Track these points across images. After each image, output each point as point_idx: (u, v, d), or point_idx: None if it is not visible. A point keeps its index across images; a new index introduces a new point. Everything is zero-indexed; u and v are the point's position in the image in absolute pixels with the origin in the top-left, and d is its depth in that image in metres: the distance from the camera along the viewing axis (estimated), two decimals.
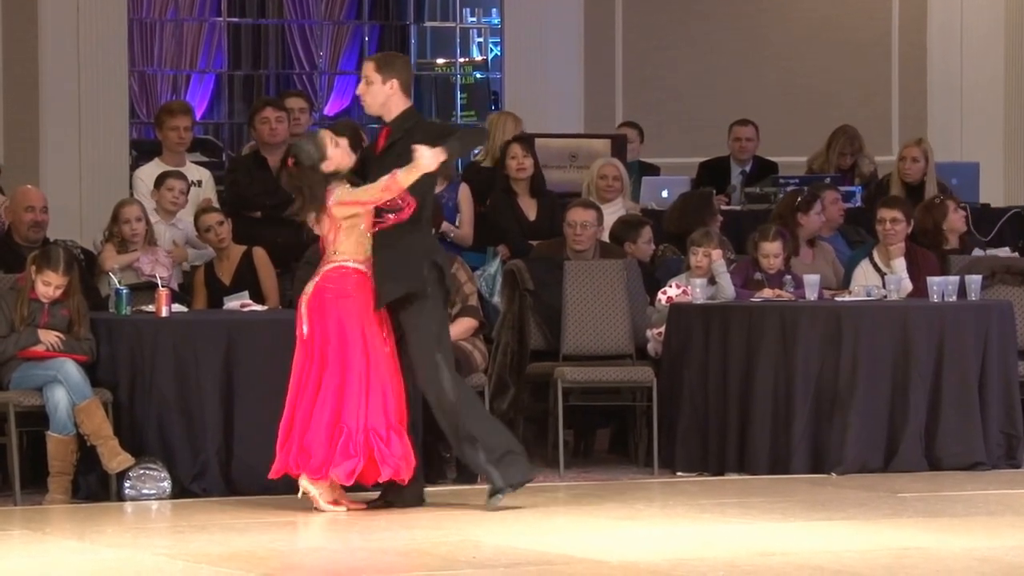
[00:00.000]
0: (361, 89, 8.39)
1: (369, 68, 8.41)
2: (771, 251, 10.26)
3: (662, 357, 10.22)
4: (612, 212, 11.13)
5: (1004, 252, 11.17)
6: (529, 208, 11.25)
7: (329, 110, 15.42)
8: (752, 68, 14.94)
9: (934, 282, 9.91)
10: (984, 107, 14.60)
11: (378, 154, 8.44)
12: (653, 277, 10.79)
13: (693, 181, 12.21)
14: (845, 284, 10.78)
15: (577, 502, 9.45)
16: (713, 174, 12.63)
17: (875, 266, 10.79)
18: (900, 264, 10.49)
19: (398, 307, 8.31)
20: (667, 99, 14.43)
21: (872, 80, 15.01)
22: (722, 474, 9.99)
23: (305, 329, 8.28)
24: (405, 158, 8.17)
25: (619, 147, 12.32)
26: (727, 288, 10.23)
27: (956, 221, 11.04)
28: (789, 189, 11.89)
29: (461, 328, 9.76)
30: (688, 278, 10.33)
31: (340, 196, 8.32)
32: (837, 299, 10.41)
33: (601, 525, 8.76)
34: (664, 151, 13.30)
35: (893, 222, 10.60)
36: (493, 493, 8.33)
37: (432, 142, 8.20)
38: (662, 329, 10.18)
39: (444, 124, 9.01)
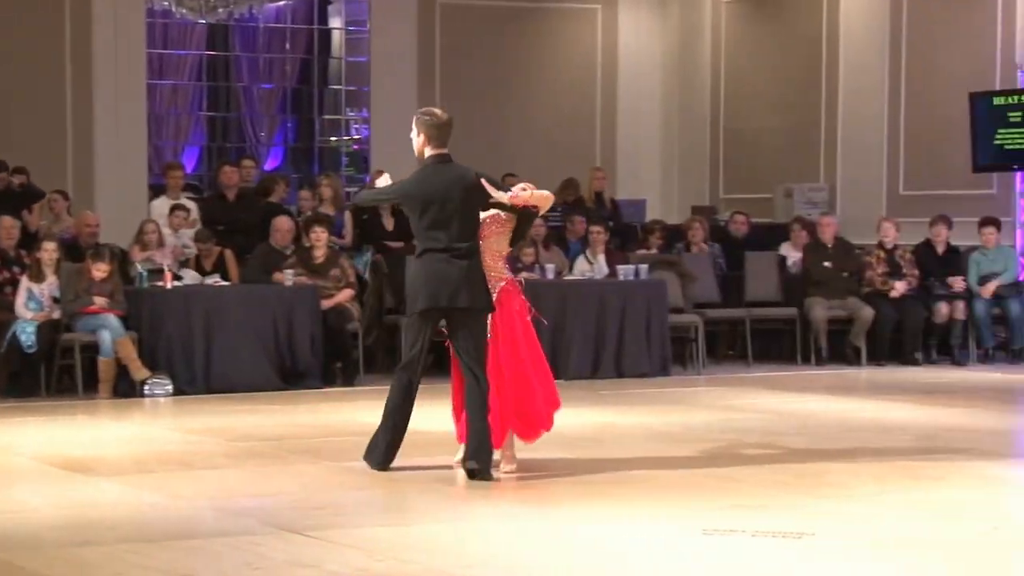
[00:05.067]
0: (411, 135, 8.67)
1: (413, 120, 8.65)
2: None
3: None
4: None
5: None
6: (388, 223, 14.74)
7: (267, 167, 18.81)
8: None
9: None
10: None
11: None
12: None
13: None
14: None
15: None
16: None
17: None
18: None
19: None
20: None
21: None
22: None
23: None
24: None
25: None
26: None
27: None
28: None
29: (346, 295, 13.33)
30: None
31: None
32: None
33: None
34: None
35: None
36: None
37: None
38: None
39: (411, 177, 8.65)
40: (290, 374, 12.93)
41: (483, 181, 8.56)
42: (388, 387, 12.56)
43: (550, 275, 14.06)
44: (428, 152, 8.61)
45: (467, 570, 6.29)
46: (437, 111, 8.72)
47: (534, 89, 18.96)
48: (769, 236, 16.56)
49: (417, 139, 8.64)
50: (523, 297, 8.65)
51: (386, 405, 8.57)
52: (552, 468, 8.71)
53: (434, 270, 8.43)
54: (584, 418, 10.90)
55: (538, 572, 6.34)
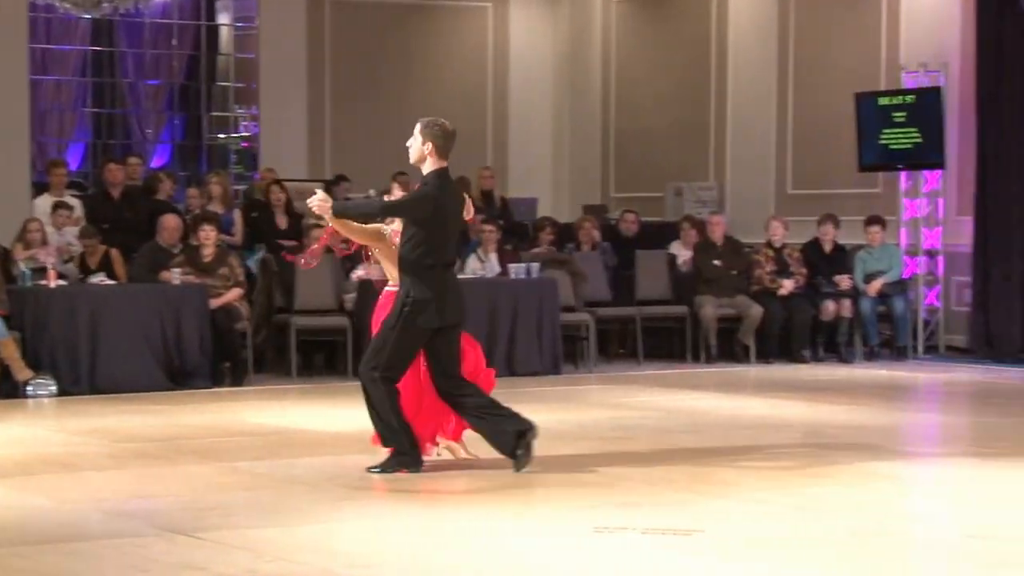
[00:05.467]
0: (409, 142, 8.57)
1: (416, 128, 8.54)
2: None
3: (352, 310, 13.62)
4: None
5: None
6: (281, 221, 15.03)
7: (154, 164, 18.62)
8: None
9: None
10: None
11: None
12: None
13: None
14: None
15: (307, 395, 12.57)
16: None
17: None
18: None
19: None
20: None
21: None
22: None
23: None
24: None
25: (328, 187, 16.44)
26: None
27: None
28: None
29: (235, 295, 13.30)
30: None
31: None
32: None
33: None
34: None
35: None
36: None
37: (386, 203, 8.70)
38: (353, 295, 13.66)
39: (421, 191, 8.49)
40: (178, 374, 12.85)
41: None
42: (283, 387, 12.87)
43: None
44: (433, 163, 8.54)
45: (356, 570, 6.30)
46: (444, 122, 8.65)
47: (425, 86, 18.92)
48: (659, 235, 16.67)
49: (422, 147, 8.56)
50: None
51: (382, 411, 8.49)
52: (442, 467, 8.69)
53: (450, 286, 8.56)
54: None
55: (429, 571, 6.35)
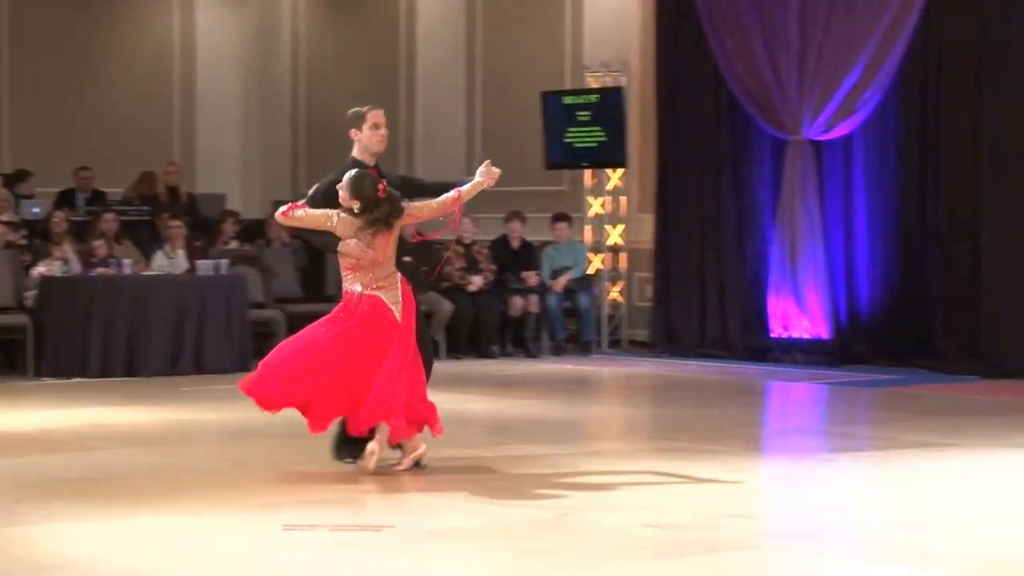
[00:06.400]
0: (385, 133, 8.97)
1: (385, 118, 8.88)
2: None
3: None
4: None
5: None
6: None
7: None
8: None
9: None
10: None
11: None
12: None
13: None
14: None
15: None
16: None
17: None
18: None
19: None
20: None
21: None
22: None
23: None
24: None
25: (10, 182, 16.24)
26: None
27: None
28: None
29: None
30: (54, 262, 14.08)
31: (410, 210, 8.52)
32: None
33: None
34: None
35: None
36: None
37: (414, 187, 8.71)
38: (34, 292, 13.49)
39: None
40: None
41: None
42: None
43: (126, 270, 13.94)
44: None
45: (41, 573, 6.17)
46: None
47: (108, 79, 18.64)
48: None
49: None
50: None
51: None
52: (127, 466, 8.61)
53: None
54: (161, 415, 10.81)
55: (111, 573, 6.27)
